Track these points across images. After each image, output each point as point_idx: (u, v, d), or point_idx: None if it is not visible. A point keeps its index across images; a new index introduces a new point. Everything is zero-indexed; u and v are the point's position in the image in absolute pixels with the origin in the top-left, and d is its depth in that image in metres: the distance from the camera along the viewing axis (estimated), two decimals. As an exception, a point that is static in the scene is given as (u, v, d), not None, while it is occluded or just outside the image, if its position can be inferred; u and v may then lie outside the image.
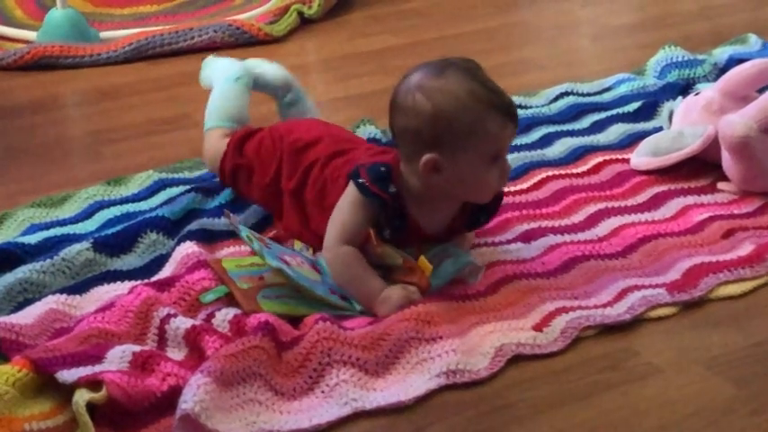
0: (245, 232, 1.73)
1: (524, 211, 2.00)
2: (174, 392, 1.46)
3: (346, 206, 1.75)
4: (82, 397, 1.43)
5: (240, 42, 3.06)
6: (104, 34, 3.13)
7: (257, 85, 2.22)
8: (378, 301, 1.69)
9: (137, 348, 1.54)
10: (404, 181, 1.74)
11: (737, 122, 1.98)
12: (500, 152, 1.70)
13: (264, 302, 1.68)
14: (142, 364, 1.52)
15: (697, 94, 2.22)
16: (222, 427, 1.41)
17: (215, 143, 2.06)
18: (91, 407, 1.43)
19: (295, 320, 1.66)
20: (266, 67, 2.25)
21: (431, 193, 1.73)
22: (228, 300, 1.70)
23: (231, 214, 1.79)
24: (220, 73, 2.19)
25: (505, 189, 2.05)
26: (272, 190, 1.95)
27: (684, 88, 2.45)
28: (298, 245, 1.86)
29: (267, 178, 1.95)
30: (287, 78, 2.25)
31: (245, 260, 1.80)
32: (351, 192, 1.74)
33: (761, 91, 2.14)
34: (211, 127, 2.10)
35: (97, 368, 1.48)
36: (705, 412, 1.47)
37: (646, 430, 1.45)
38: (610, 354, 1.60)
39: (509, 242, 1.90)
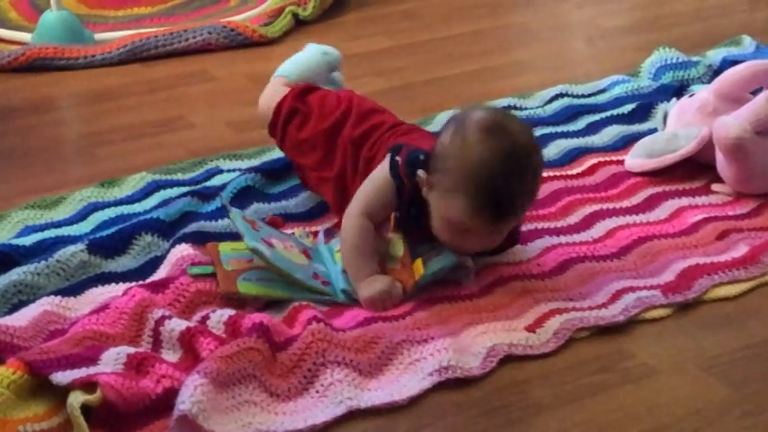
0: (237, 213, 1.74)
1: (519, 213, 2.00)
2: (169, 394, 1.46)
3: (377, 180, 1.77)
4: (76, 399, 1.43)
5: (235, 44, 3.06)
6: (99, 36, 3.12)
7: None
8: (364, 281, 1.71)
9: (131, 350, 1.54)
10: None
11: (732, 124, 1.99)
12: (468, 229, 1.67)
13: (242, 284, 1.69)
14: (137, 365, 1.52)
15: (691, 95, 2.23)
16: (219, 429, 1.42)
17: (276, 88, 2.12)
18: (86, 409, 1.43)
19: (289, 321, 1.66)
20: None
21: None
22: (221, 301, 1.70)
23: (224, 195, 1.81)
24: (313, 47, 2.25)
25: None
26: (327, 135, 1.97)
27: (679, 90, 2.45)
28: (299, 232, 1.87)
29: (326, 124, 1.97)
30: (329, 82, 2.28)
31: (240, 244, 1.81)
32: (384, 166, 1.76)
33: (755, 93, 2.15)
34: (280, 74, 2.15)
35: (92, 370, 1.48)
36: (700, 414, 1.47)
37: None
38: (604, 355, 1.61)
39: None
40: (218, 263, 1.75)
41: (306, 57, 2.22)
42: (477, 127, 1.66)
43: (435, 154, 1.70)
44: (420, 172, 1.71)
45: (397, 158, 1.74)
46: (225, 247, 1.80)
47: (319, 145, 1.98)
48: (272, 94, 2.09)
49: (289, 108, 2.03)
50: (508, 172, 1.63)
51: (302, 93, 2.05)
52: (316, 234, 1.90)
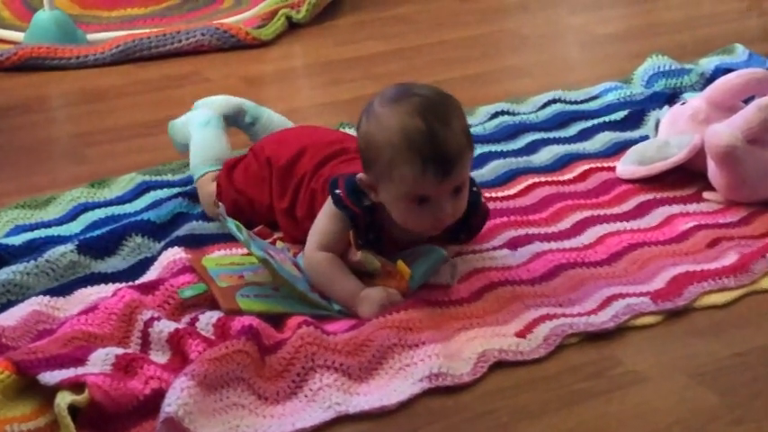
0: (232, 223, 1.73)
1: (511, 218, 2.00)
2: (157, 396, 1.46)
3: (324, 216, 1.77)
4: (64, 399, 1.42)
5: (228, 46, 3.06)
6: (91, 36, 3.12)
7: None
8: (357, 300, 1.69)
9: (120, 351, 1.54)
10: None
11: (723, 132, 1.99)
12: (426, 195, 1.66)
13: (242, 301, 1.68)
14: (125, 366, 1.51)
15: (684, 103, 2.23)
16: (206, 431, 1.41)
17: (206, 188, 2.01)
18: (74, 409, 1.42)
19: (278, 323, 1.66)
20: (211, 103, 2.21)
21: None
22: (211, 303, 1.70)
23: (221, 204, 1.79)
24: (189, 126, 2.15)
25: (492, 195, 2.07)
26: (272, 211, 1.94)
27: (671, 97, 2.46)
28: (280, 244, 1.86)
29: (266, 200, 1.94)
30: (236, 104, 2.21)
31: (225, 259, 1.81)
32: (329, 202, 1.76)
33: (747, 101, 2.15)
34: (200, 175, 2.04)
35: (80, 370, 1.48)
36: (688, 421, 1.47)
37: (629, 438, 1.45)
38: (593, 362, 1.60)
39: (495, 249, 1.89)
40: (210, 280, 1.73)
41: (197, 142, 2.10)
42: (383, 103, 1.68)
43: (363, 155, 1.70)
44: (359, 175, 1.71)
45: (338, 192, 1.74)
46: (210, 263, 1.79)
47: (271, 219, 1.94)
48: (208, 196, 1.99)
49: (230, 204, 1.91)
50: (431, 122, 1.63)
51: (228, 181, 1.97)
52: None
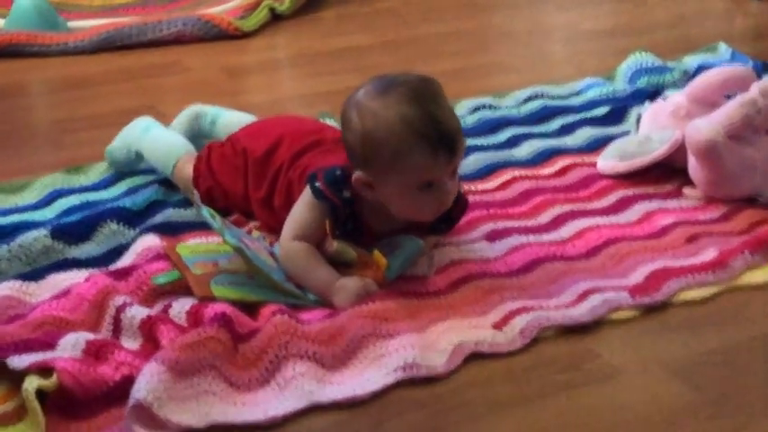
0: (206, 211, 1.71)
1: (491, 211, 1.99)
2: (127, 382, 1.44)
3: (302, 205, 1.75)
4: (31, 384, 1.41)
5: (209, 37, 3.04)
6: (73, 24, 3.10)
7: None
8: (333, 290, 1.68)
9: (90, 336, 1.53)
10: None
11: (705, 127, 1.98)
12: (433, 180, 1.66)
13: (217, 288, 1.66)
14: (95, 352, 1.50)
15: (665, 99, 2.22)
16: (175, 418, 1.39)
17: (184, 171, 1.99)
18: (42, 394, 1.41)
19: (252, 311, 1.64)
20: (173, 126, 2.19)
21: (377, 203, 1.72)
22: (185, 291, 1.68)
23: (196, 191, 1.77)
24: (130, 142, 2.12)
25: (472, 188, 2.06)
26: (247, 201, 1.93)
27: (653, 94, 2.45)
28: (256, 233, 1.85)
29: (240, 190, 1.93)
30: (191, 111, 2.20)
31: (200, 247, 1.80)
32: (307, 193, 1.75)
33: (729, 97, 2.14)
34: (173, 165, 2.02)
35: (49, 355, 1.46)
36: (663, 415, 1.46)
37: (603, 432, 1.44)
38: (570, 355, 1.59)
39: (473, 241, 1.89)
40: (184, 268, 1.72)
41: (152, 143, 2.08)
42: (372, 98, 1.66)
43: (359, 154, 1.68)
44: (355, 175, 1.69)
45: (317, 185, 1.72)
46: (184, 250, 1.77)
47: (245, 209, 1.94)
48: (185, 179, 1.98)
49: (204, 189, 1.92)
50: (426, 106, 1.64)
51: (206, 167, 1.96)
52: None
